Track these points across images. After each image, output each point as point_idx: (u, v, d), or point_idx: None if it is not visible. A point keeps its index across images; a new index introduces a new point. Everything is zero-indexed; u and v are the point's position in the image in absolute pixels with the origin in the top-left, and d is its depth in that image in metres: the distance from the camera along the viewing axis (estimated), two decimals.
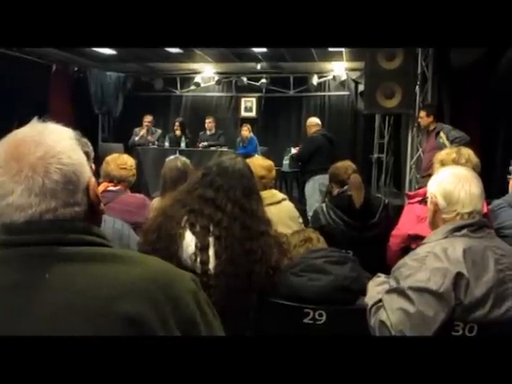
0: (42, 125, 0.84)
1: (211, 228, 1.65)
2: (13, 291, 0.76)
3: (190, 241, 1.64)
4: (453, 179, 1.61)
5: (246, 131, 7.66)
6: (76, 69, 8.62)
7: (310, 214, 5.66)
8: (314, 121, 5.94)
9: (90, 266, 0.79)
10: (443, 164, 2.51)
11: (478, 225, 1.57)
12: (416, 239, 2.36)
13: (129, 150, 6.92)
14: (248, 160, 3.00)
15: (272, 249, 1.69)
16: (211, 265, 1.61)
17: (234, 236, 1.63)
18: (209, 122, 7.84)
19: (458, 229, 1.56)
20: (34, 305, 0.75)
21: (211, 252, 1.63)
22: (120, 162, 2.91)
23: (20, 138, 0.81)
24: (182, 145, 7.40)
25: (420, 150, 6.05)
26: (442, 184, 1.62)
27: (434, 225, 1.67)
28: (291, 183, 7.53)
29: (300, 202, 6.12)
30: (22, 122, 0.86)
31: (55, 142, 0.82)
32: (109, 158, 2.93)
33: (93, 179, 0.88)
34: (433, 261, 1.48)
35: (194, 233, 1.65)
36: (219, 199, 1.67)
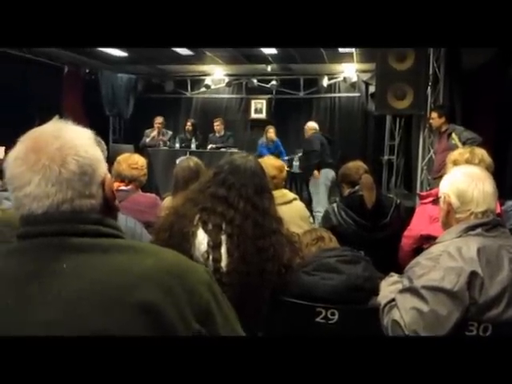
0: (61, 123, 0.87)
1: (223, 226, 1.65)
2: (30, 280, 0.77)
3: (202, 239, 1.64)
4: (466, 178, 1.60)
5: (271, 133, 7.66)
6: (87, 71, 8.70)
7: (317, 209, 5.83)
8: (312, 125, 6.67)
9: (106, 256, 0.81)
10: (456, 164, 2.48)
11: (492, 224, 1.55)
12: (428, 240, 2.34)
13: (139, 151, 6.95)
14: (260, 160, 3.03)
15: (284, 247, 1.69)
16: (223, 263, 1.61)
17: (246, 234, 1.63)
18: (217, 125, 7.88)
19: (472, 228, 1.54)
20: (50, 293, 0.76)
21: (223, 250, 1.62)
22: (131, 161, 2.93)
23: (39, 133, 0.85)
24: (193, 146, 7.44)
25: (432, 151, 6.01)
26: (456, 183, 1.61)
27: (446, 225, 1.66)
28: (301, 184, 7.51)
29: (310, 203, 6.13)
30: (41, 122, 0.89)
31: (73, 136, 0.85)
32: (120, 158, 2.95)
33: (109, 175, 0.90)
34: (447, 260, 1.46)
35: (206, 231, 1.65)
36: (231, 197, 1.67)
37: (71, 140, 0.84)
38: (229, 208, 1.66)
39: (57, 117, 0.89)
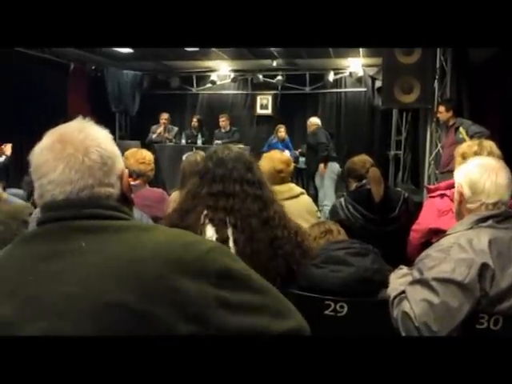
0: (85, 121, 0.96)
1: (227, 219, 1.66)
2: (52, 259, 0.83)
3: (210, 236, 1.64)
4: (479, 169, 1.60)
5: (282, 132, 7.69)
6: (93, 67, 8.69)
7: (324, 203, 5.87)
8: (314, 120, 6.89)
9: (121, 234, 0.86)
10: (465, 157, 2.47)
11: (503, 216, 1.54)
12: (437, 233, 2.32)
13: (146, 147, 6.95)
14: (266, 154, 3.02)
15: (287, 216, 1.73)
16: None
17: (248, 213, 1.65)
18: (222, 121, 7.88)
19: (484, 219, 1.53)
20: (67, 270, 0.81)
21: (231, 243, 1.63)
22: (139, 156, 2.94)
23: (65, 128, 0.93)
24: (199, 142, 7.44)
25: (439, 145, 5.97)
26: (469, 174, 1.61)
27: (459, 215, 1.66)
28: (307, 180, 7.49)
29: (317, 198, 6.12)
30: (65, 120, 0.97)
31: (96, 132, 0.93)
32: (128, 153, 2.96)
33: (126, 171, 0.98)
34: (457, 252, 1.45)
35: (213, 225, 1.66)
36: (227, 187, 1.69)
37: (94, 134, 0.92)
38: (228, 198, 1.68)
39: (80, 117, 0.97)
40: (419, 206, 2.83)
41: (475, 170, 1.61)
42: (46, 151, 0.89)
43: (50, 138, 0.91)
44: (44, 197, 0.88)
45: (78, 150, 0.88)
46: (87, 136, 0.90)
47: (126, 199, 0.96)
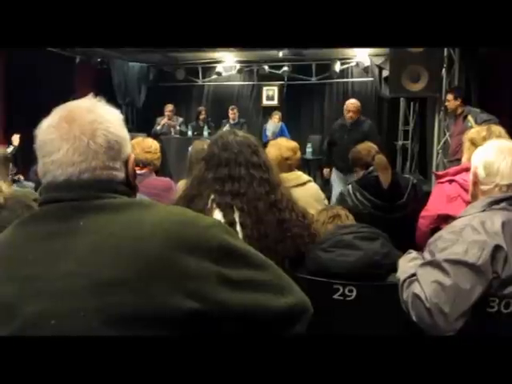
0: (96, 100, 0.94)
1: (234, 203, 1.65)
2: (51, 238, 0.83)
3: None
4: (495, 151, 1.59)
5: (275, 119, 7.66)
6: (99, 60, 8.68)
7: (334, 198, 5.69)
8: (357, 104, 5.68)
9: (121, 212, 0.85)
10: (473, 142, 2.45)
11: None
12: (446, 219, 2.30)
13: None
14: (273, 142, 3.01)
15: (294, 199, 1.73)
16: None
17: (255, 197, 1.65)
18: (233, 113, 7.85)
19: (497, 202, 1.52)
20: (67, 248, 0.81)
21: (238, 228, 1.62)
22: (145, 145, 2.94)
23: (75, 105, 0.91)
24: (205, 133, 7.43)
25: (447, 134, 5.92)
26: (484, 155, 1.61)
27: (474, 197, 1.65)
28: (314, 171, 7.46)
29: (323, 190, 6.06)
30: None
31: (105, 114, 0.91)
32: (134, 142, 2.95)
33: (133, 155, 0.96)
34: (470, 233, 1.44)
35: (221, 210, 1.65)
36: (233, 170, 1.69)
37: (103, 116, 0.89)
38: (234, 182, 1.67)
39: (92, 94, 0.95)
40: (427, 195, 2.81)
41: (491, 151, 1.60)
42: (52, 129, 0.86)
43: (57, 114, 0.89)
44: (46, 176, 0.88)
45: (85, 132, 0.86)
46: (96, 118, 0.88)
47: (129, 184, 0.94)
